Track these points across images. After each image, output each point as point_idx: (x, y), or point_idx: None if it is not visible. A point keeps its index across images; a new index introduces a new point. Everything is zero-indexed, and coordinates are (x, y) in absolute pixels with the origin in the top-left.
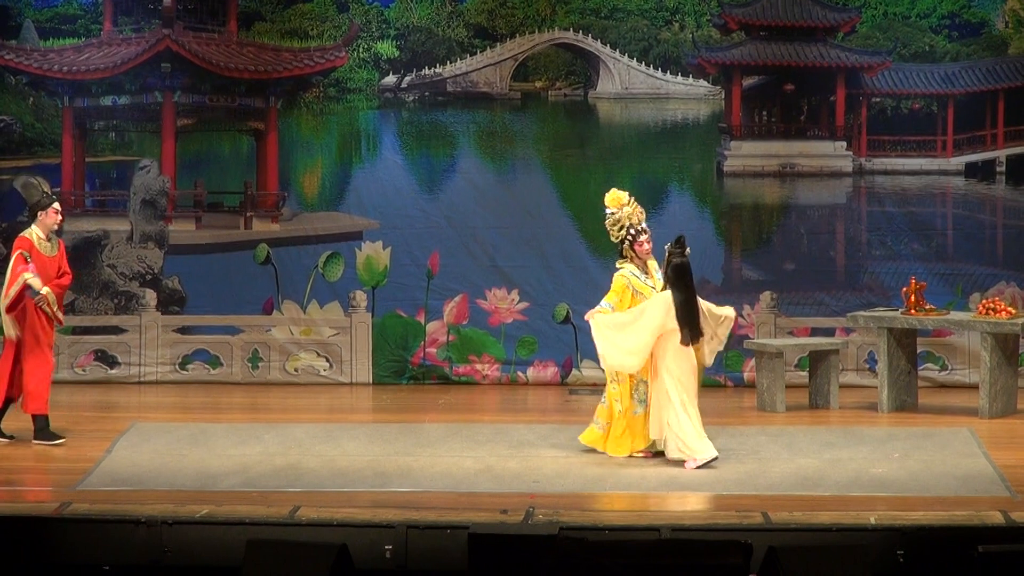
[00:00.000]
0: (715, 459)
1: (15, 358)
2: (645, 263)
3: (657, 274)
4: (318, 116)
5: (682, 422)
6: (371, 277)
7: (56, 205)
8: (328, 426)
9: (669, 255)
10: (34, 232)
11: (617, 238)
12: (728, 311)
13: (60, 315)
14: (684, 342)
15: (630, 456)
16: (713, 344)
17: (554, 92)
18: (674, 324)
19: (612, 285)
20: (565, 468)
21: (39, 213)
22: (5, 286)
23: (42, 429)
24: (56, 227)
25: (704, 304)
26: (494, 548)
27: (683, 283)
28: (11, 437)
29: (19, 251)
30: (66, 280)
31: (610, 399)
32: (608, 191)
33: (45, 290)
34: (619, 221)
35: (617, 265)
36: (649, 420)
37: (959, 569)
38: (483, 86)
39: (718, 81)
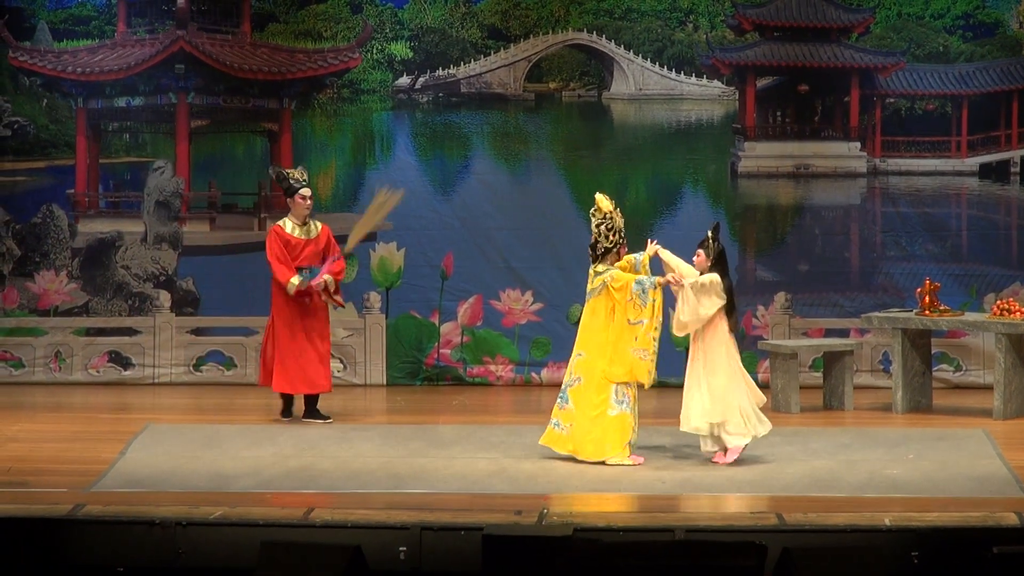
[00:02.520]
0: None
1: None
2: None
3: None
4: (332, 117)
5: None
6: (385, 278)
7: (303, 191)
8: (342, 427)
9: (713, 241)
10: (287, 220)
11: (612, 243)
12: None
13: (339, 298)
14: (733, 328)
15: (603, 462)
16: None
17: (568, 93)
18: (721, 305)
19: (615, 284)
20: (579, 469)
21: (288, 201)
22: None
23: (286, 409)
24: (306, 213)
25: None
26: (508, 549)
27: (726, 269)
28: (327, 418)
29: (272, 235)
30: (337, 265)
31: (584, 402)
32: (598, 195)
33: (325, 279)
34: (613, 227)
35: (600, 269)
36: (686, 411)
37: (974, 570)
38: (497, 87)
39: (732, 82)
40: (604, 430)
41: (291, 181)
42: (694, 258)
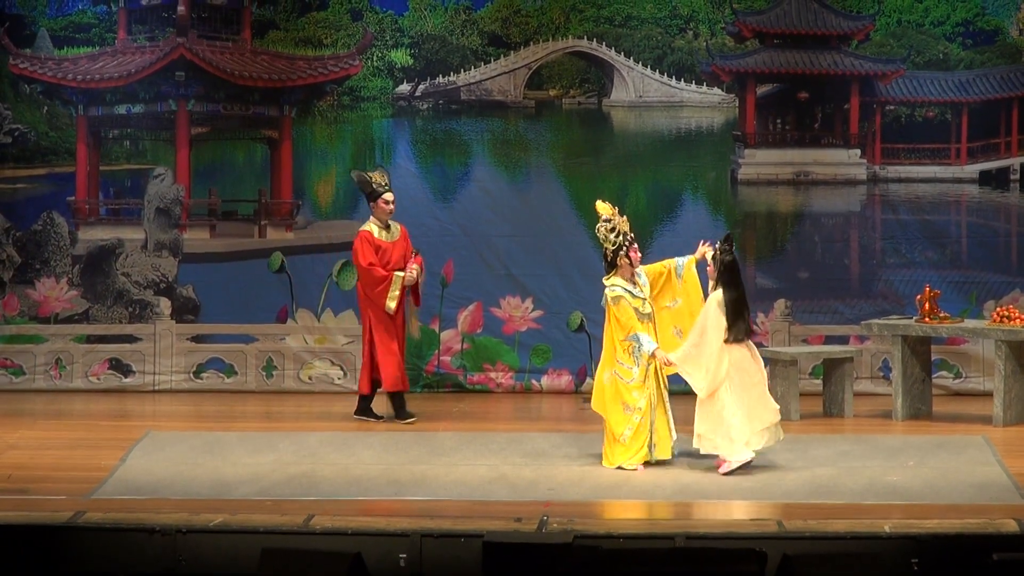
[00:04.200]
0: (750, 460)
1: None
2: (632, 273)
3: (642, 279)
4: (332, 124)
5: (734, 421)
6: None
7: (387, 196)
8: (342, 435)
9: (721, 253)
10: (371, 224)
11: (614, 244)
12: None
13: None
14: (728, 340)
15: (619, 467)
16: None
17: (568, 100)
18: (723, 323)
19: (619, 316)
20: (579, 476)
21: (371, 205)
22: (366, 279)
23: (399, 407)
24: (389, 216)
25: None
26: (508, 556)
27: (735, 281)
28: (380, 417)
29: (362, 241)
30: (418, 260)
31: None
32: (598, 203)
33: (414, 268)
34: (616, 228)
35: (607, 283)
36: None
37: None
38: (497, 94)
39: (732, 89)
40: (612, 444)
41: (373, 186)
42: (708, 267)
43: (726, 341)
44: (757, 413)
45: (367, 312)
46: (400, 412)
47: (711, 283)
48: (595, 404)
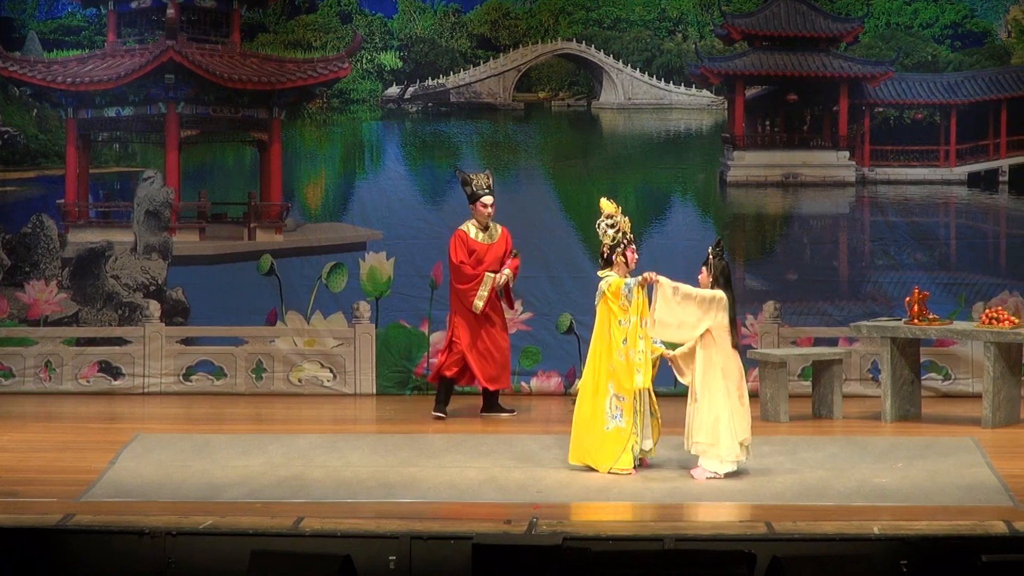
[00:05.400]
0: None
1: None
2: (627, 274)
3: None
4: (321, 127)
5: (725, 433)
6: (375, 288)
7: (485, 199)
8: (332, 437)
9: (715, 258)
10: (470, 224)
11: (612, 240)
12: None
13: (510, 297)
14: (735, 344)
15: (610, 472)
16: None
17: (557, 103)
18: (723, 322)
19: (614, 299)
20: (569, 478)
21: (471, 206)
22: (455, 276)
23: (491, 404)
24: (487, 218)
25: None
26: (498, 558)
27: (731, 285)
28: (511, 411)
29: (456, 240)
30: (514, 263)
31: (581, 407)
32: (603, 200)
33: (505, 272)
34: (616, 225)
35: (602, 275)
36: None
37: None
38: (486, 97)
39: (721, 91)
40: (601, 443)
41: (473, 187)
42: (698, 276)
43: (733, 345)
44: (742, 426)
45: (455, 312)
46: (492, 407)
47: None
48: (574, 456)
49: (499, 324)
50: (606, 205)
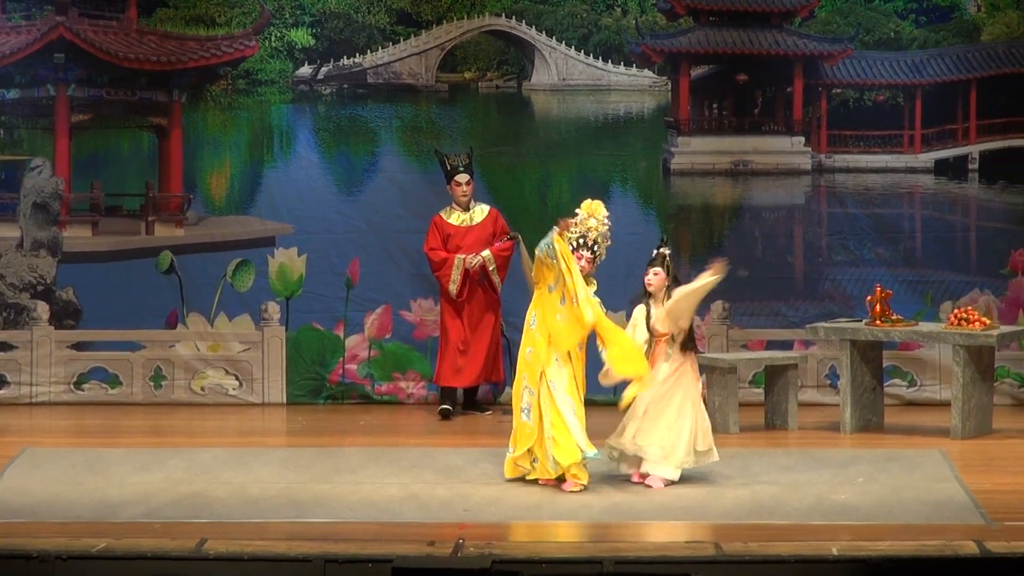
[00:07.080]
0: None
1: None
2: (587, 272)
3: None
4: (226, 111)
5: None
6: (285, 287)
7: (458, 177)
8: (238, 451)
9: (670, 257)
10: (449, 208)
11: (576, 236)
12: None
13: (496, 278)
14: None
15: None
16: None
17: (485, 84)
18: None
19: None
20: (498, 495)
21: (447, 187)
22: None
23: (469, 400)
24: (463, 198)
25: None
26: None
27: (679, 284)
28: (486, 410)
29: (431, 225)
30: (503, 246)
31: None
32: (588, 201)
33: (483, 255)
34: (590, 229)
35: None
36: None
37: None
38: (407, 77)
39: (664, 71)
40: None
41: (448, 166)
42: (649, 278)
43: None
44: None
45: (442, 308)
46: (471, 404)
47: (659, 294)
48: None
49: (486, 320)
50: (595, 208)
